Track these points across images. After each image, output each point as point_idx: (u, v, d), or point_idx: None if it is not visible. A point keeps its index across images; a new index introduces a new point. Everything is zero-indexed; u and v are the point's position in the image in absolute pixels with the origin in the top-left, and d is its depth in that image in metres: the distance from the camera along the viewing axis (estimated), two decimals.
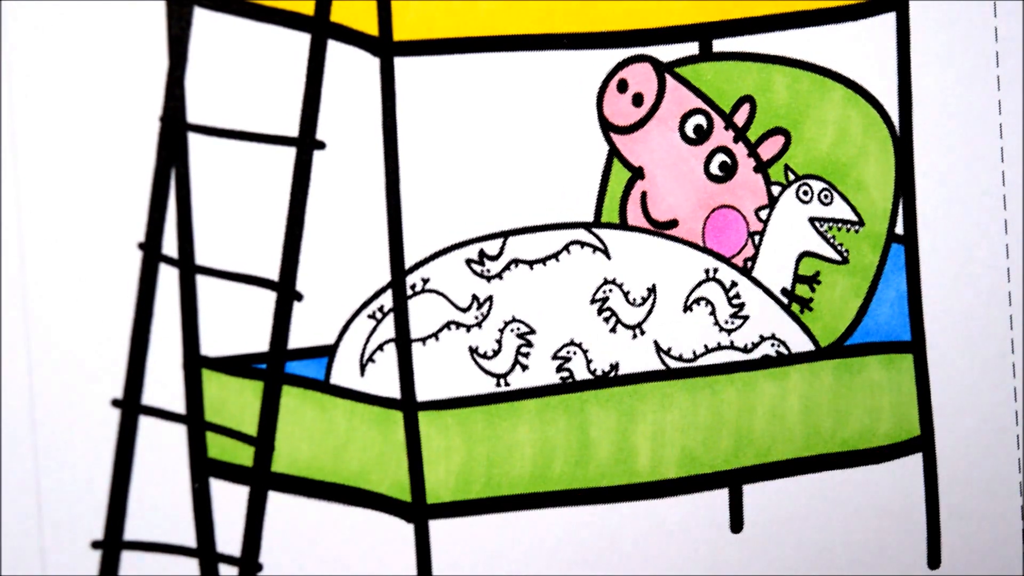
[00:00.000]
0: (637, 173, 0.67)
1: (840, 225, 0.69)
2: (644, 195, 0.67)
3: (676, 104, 0.68)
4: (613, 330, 0.67)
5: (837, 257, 0.69)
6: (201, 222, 0.63)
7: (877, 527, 0.70)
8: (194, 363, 0.63)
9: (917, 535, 0.70)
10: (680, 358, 0.68)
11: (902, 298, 0.70)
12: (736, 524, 0.69)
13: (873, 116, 0.69)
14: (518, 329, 0.66)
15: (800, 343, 0.69)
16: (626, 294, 0.67)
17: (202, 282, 0.63)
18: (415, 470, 0.65)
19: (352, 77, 0.64)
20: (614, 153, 0.67)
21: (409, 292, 0.65)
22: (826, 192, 0.69)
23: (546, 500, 0.67)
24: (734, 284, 0.68)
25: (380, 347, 0.65)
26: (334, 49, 0.64)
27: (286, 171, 0.64)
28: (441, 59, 0.65)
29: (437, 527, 0.65)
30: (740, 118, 0.68)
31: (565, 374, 0.66)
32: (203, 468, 0.63)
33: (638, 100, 0.67)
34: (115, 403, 0.62)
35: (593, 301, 0.67)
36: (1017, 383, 0.71)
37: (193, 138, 0.63)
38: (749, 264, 0.68)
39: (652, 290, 0.67)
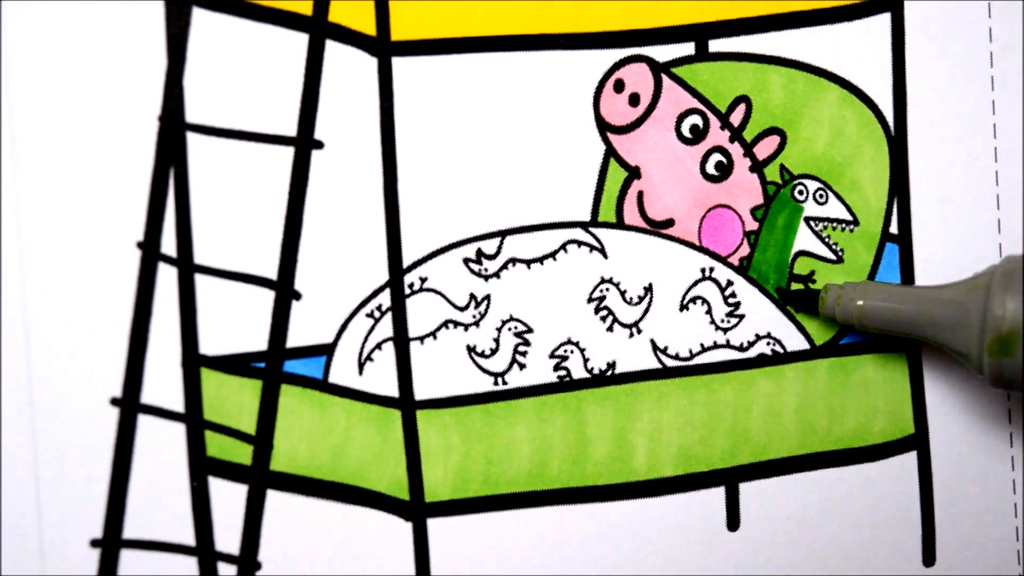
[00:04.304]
0: (634, 172, 0.67)
1: (835, 224, 0.69)
2: (641, 194, 0.68)
3: (672, 104, 0.68)
4: (610, 329, 0.67)
5: (832, 256, 0.70)
6: (200, 221, 0.63)
7: (872, 525, 0.70)
8: (193, 362, 0.63)
9: (912, 532, 0.71)
10: (677, 357, 0.68)
11: None
12: (733, 522, 0.69)
13: (868, 116, 0.69)
14: (516, 328, 0.66)
15: (796, 342, 0.69)
16: (623, 293, 0.67)
17: (201, 281, 0.63)
18: (413, 468, 0.65)
19: (350, 77, 0.64)
20: (611, 153, 0.67)
21: (407, 291, 0.65)
22: (821, 192, 0.69)
23: (544, 498, 0.67)
24: (730, 283, 0.68)
25: (378, 346, 0.65)
26: (332, 49, 0.64)
27: (285, 171, 0.64)
28: (439, 59, 0.65)
29: (435, 525, 0.65)
30: (736, 118, 0.68)
31: (562, 373, 0.67)
32: (202, 467, 0.63)
33: (634, 100, 0.67)
34: (114, 402, 0.62)
35: (590, 300, 0.67)
36: None
37: (192, 138, 0.63)
38: (745, 263, 0.69)
39: (649, 289, 0.68)
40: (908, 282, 0.70)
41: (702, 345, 0.68)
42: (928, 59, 0.70)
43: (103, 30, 0.61)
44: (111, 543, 0.62)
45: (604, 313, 0.67)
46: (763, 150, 0.69)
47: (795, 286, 0.69)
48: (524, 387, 0.66)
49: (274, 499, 0.64)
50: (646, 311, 0.68)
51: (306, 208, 0.64)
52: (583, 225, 0.67)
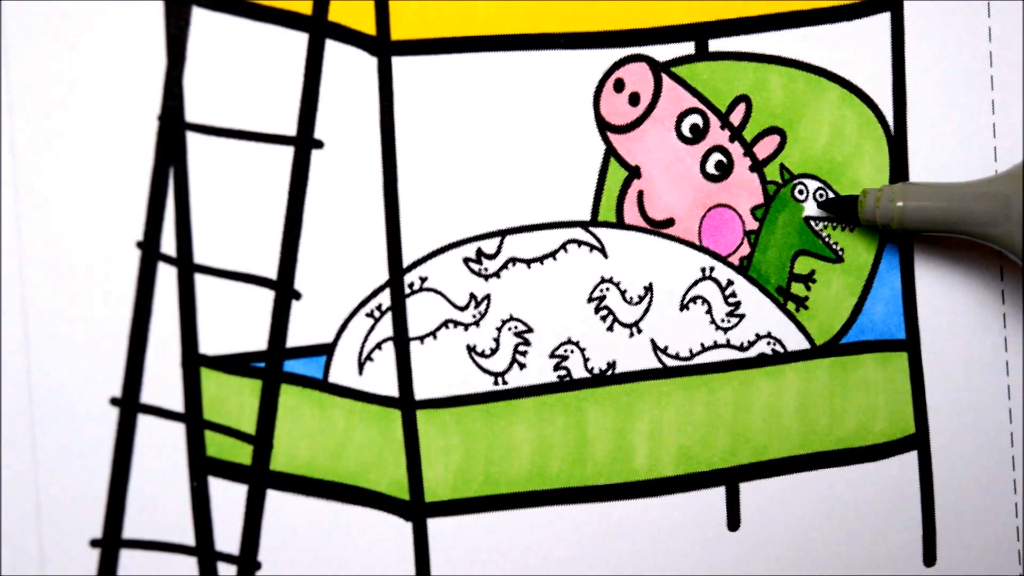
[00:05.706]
0: (634, 172, 0.67)
1: (835, 224, 0.69)
2: (641, 194, 0.68)
3: (672, 103, 0.68)
4: (610, 329, 0.67)
5: (832, 255, 0.70)
6: (199, 221, 0.63)
7: (873, 525, 0.70)
8: (193, 361, 0.63)
9: (913, 532, 0.71)
10: (677, 356, 0.68)
11: (897, 296, 0.71)
12: (733, 522, 0.69)
13: (868, 115, 0.69)
14: (516, 328, 0.66)
15: (796, 341, 0.69)
16: (623, 293, 0.67)
17: (200, 281, 0.63)
18: (413, 468, 0.65)
19: (350, 76, 0.64)
20: (611, 152, 0.67)
21: (407, 291, 0.65)
22: (821, 191, 0.69)
23: (544, 498, 0.67)
24: (730, 283, 0.68)
25: (378, 346, 0.65)
26: (332, 49, 0.64)
27: (284, 170, 0.64)
28: (439, 58, 0.65)
29: (435, 525, 0.65)
30: (736, 117, 0.68)
31: (562, 372, 0.67)
32: (202, 466, 0.63)
33: (634, 99, 0.67)
34: (114, 401, 0.62)
35: (590, 300, 0.67)
36: (1011, 380, 0.71)
37: (191, 137, 0.63)
38: (745, 263, 0.69)
39: (649, 289, 0.68)
40: (909, 282, 0.70)
41: (702, 345, 0.68)
42: (928, 58, 0.70)
43: (103, 30, 0.61)
44: (111, 543, 0.62)
45: (604, 313, 0.67)
46: (763, 149, 0.69)
47: (795, 286, 0.69)
48: (524, 387, 0.66)
49: (274, 499, 0.64)
50: (646, 311, 0.67)
51: (306, 208, 0.64)
52: (583, 225, 0.67)
